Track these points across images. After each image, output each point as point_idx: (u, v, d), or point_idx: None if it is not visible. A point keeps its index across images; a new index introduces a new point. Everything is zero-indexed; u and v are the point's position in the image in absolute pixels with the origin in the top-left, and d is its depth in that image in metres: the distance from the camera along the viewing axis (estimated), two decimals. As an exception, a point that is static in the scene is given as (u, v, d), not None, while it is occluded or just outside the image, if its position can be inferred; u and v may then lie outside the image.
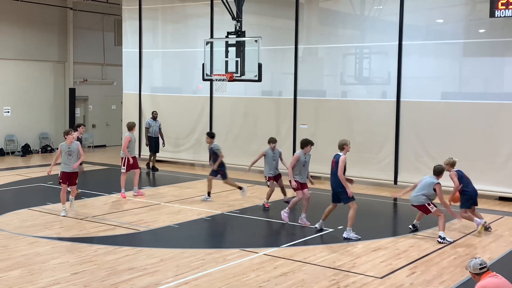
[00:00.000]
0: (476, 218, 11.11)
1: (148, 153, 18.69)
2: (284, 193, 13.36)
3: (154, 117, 18.31)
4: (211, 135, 14.34)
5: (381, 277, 8.44)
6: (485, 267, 5.78)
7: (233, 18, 14.39)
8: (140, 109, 20.79)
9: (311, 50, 17.88)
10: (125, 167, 14.00)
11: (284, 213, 11.65)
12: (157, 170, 18.33)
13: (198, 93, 19.76)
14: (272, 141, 13.04)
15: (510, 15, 13.21)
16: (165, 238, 10.73)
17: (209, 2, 18.75)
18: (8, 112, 22.23)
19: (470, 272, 5.85)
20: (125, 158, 13.99)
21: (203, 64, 14.59)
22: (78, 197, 13.11)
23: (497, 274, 5.79)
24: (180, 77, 20.70)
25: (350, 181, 10.72)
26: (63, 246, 9.85)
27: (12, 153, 22.18)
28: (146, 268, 8.67)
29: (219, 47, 14.34)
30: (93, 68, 24.84)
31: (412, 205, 10.83)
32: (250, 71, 13.90)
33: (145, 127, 18.54)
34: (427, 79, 15.86)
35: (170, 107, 19.76)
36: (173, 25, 20.63)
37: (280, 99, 18.15)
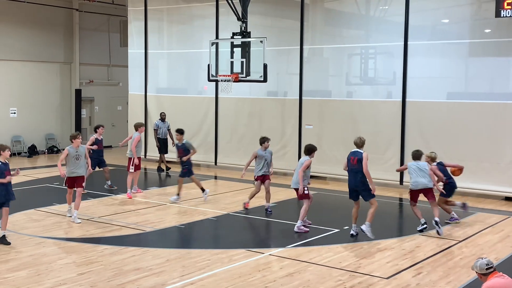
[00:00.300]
0: (453, 213, 11.78)
1: (156, 155, 18.75)
2: (268, 199, 12.80)
3: (163, 118, 18.32)
4: (181, 131, 14.07)
5: (387, 278, 8.43)
6: (491, 267, 5.76)
7: (239, 19, 14.40)
8: (146, 110, 20.84)
9: (316, 51, 17.88)
10: (133, 167, 14.07)
11: (300, 227, 11.09)
12: (169, 168, 18.37)
13: (204, 94, 19.79)
14: (266, 140, 12.70)
15: (516, 15, 13.18)
16: (171, 239, 10.76)
17: (215, 3, 18.77)
18: (15, 113, 22.33)
19: (476, 272, 5.83)
20: (133, 158, 14.06)
21: (208, 65, 14.61)
22: (84, 197, 13.13)
23: (503, 275, 5.78)
24: (185, 78, 20.73)
25: None
26: (69, 246, 9.89)
27: (19, 154, 22.27)
28: (152, 268, 8.70)
29: (225, 48, 14.35)
30: (99, 69, 24.92)
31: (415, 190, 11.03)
32: (256, 72, 13.90)
33: (154, 129, 18.50)
34: (432, 79, 15.83)
35: (175, 107, 19.79)
36: (179, 26, 20.67)
37: (285, 99, 18.15)
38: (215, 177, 17.99)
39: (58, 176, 12.77)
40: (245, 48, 13.97)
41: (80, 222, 11.40)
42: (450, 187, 11.77)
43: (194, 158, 19.65)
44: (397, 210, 13.23)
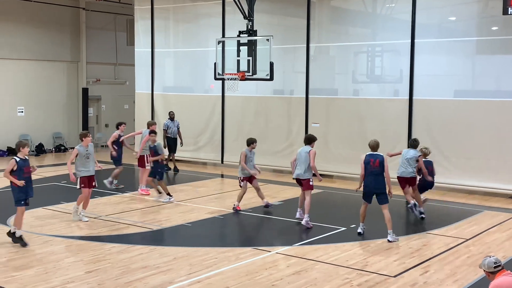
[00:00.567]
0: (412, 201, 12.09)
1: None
2: (262, 196, 12.86)
3: (172, 118, 18.25)
4: (155, 132, 13.86)
5: (394, 276, 8.43)
6: (499, 265, 5.75)
7: (245, 17, 14.40)
8: (153, 109, 20.88)
9: (323, 49, 17.86)
10: (149, 164, 14.10)
11: (308, 221, 11.22)
12: (178, 171, 18.26)
13: (210, 92, 19.81)
14: (254, 141, 12.61)
15: (523, 12, 13.11)
16: (178, 237, 10.79)
17: (221, 1, 18.79)
18: (22, 112, 22.42)
19: (484, 270, 5.82)
20: (147, 155, 14.16)
21: (215, 63, 14.62)
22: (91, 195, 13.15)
23: (511, 273, 5.76)
24: (192, 76, 20.75)
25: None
26: (77, 244, 9.94)
27: (26, 152, 22.34)
28: (159, 266, 8.72)
29: (231, 46, 14.36)
30: (105, 68, 24.98)
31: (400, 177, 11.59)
32: (262, 70, 13.90)
33: (163, 129, 18.24)
34: (439, 77, 15.78)
35: (182, 106, 19.81)
36: (185, 24, 20.69)
37: (291, 97, 18.15)
38: (222, 176, 18.01)
39: (65, 175, 12.79)
40: (252, 47, 13.97)
41: (87, 221, 11.43)
42: (424, 185, 12.39)
43: (202, 156, 19.85)
44: (404, 208, 13.20)
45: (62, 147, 23.24)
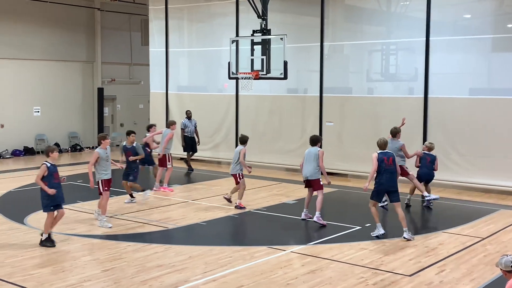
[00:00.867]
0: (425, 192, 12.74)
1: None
2: (234, 192, 13.05)
3: (189, 117, 18.28)
4: (134, 133, 13.39)
5: (410, 275, 8.40)
6: (516, 264, 5.71)
7: (259, 16, 14.42)
8: (167, 108, 20.98)
9: (337, 47, 17.81)
10: (170, 163, 14.26)
11: (320, 218, 11.24)
12: (192, 170, 18.30)
13: (224, 92, 19.85)
14: (248, 139, 12.96)
15: (540, 9, 13.00)
16: (193, 236, 10.83)
17: (235, 0, 18.82)
18: (38, 112, 22.64)
19: (501, 269, 5.78)
20: (168, 154, 14.30)
21: (228, 63, 14.66)
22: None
23: (528, 272, 5.72)
24: (206, 75, 20.80)
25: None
26: (93, 243, 10.01)
27: (43, 152, 22.56)
28: (174, 265, 8.77)
29: (245, 46, 14.39)
30: (120, 68, 25.14)
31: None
32: (276, 69, 13.92)
33: (181, 128, 18.24)
34: (454, 75, 15.68)
35: (196, 105, 19.87)
36: (199, 24, 20.75)
37: (305, 96, 18.13)
38: (236, 175, 18.02)
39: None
40: (265, 46, 13.99)
41: (111, 226, 11.08)
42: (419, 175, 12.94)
43: (216, 155, 19.89)
44: (420, 207, 13.14)
45: (78, 147, 23.44)
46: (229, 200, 13.02)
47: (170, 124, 15.05)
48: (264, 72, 14.00)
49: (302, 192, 14.08)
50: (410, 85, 16.43)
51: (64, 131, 23.41)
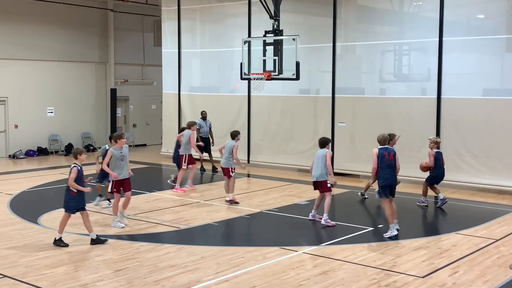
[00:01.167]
0: (440, 194, 12.95)
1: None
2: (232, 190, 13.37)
3: (204, 117, 18.26)
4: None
5: (423, 277, 8.36)
6: (530, 266, 5.67)
7: (271, 17, 14.42)
8: (180, 109, 21.04)
9: (349, 48, 17.77)
10: (186, 164, 14.49)
11: (327, 220, 11.27)
12: (204, 171, 18.37)
13: (236, 92, 19.88)
14: (239, 133, 13.47)
15: (555, 9, 12.89)
16: (205, 236, 10.86)
17: (247, 1, 18.84)
18: (52, 112, 22.80)
19: (514, 271, 5.75)
20: (186, 155, 14.47)
21: (241, 63, 14.68)
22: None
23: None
24: (218, 76, 20.86)
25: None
26: (106, 243, 10.05)
27: (56, 152, 22.75)
28: (187, 265, 8.80)
29: (257, 46, 14.40)
30: (133, 69, 25.26)
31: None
32: (288, 70, 13.92)
33: (196, 128, 18.35)
34: (468, 75, 15.59)
35: (208, 106, 19.90)
36: (211, 25, 20.80)
37: (317, 97, 18.10)
38: (248, 175, 18.04)
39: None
40: (278, 46, 13.99)
41: (123, 226, 11.04)
42: (433, 176, 12.97)
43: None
44: (433, 209, 13.08)
45: (91, 147, 23.55)
46: (232, 202, 13.15)
47: (190, 124, 15.10)
48: (276, 73, 14.00)
49: (314, 193, 14.04)
50: (423, 86, 16.36)
51: (77, 132, 23.57)
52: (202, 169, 18.33)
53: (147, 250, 9.59)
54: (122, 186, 11.15)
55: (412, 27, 16.50)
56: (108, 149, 11.72)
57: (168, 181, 15.85)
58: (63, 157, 22.01)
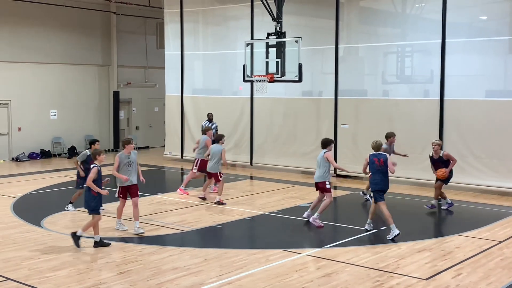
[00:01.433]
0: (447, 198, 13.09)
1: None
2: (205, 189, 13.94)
3: (210, 119, 18.17)
4: (98, 141, 12.41)
5: (426, 279, 8.34)
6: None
7: (273, 19, 14.43)
8: (182, 111, 21.06)
9: (352, 50, 17.77)
10: (197, 167, 14.48)
11: (316, 219, 11.39)
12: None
13: (239, 94, 19.89)
14: (223, 136, 13.79)
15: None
16: (208, 238, 10.86)
17: (249, 3, 18.86)
18: (55, 115, 22.85)
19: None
20: (198, 159, 14.42)
21: (243, 66, 14.69)
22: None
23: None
24: (220, 78, 20.87)
25: None
26: (109, 246, 10.06)
27: (59, 155, 22.79)
28: (190, 268, 8.80)
29: (260, 48, 14.41)
30: (136, 71, 25.30)
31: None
32: (291, 72, 13.93)
33: (201, 130, 18.34)
34: (471, 77, 15.56)
35: (211, 108, 19.91)
36: (214, 27, 20.82)
37: (320, 99, 18.10)
38: (251, 177, 18.06)
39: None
40: (280, 48, 14.00)
41: (143, 232, 10.82)
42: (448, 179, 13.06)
43: (231, 158, 19.89)
44: (436, 211, 13.05)
45: (94, 150, 23.57)
46: (220, 203, 13.36)
47: (206, 130, 14.87)
48: (279, 75, 14.01)
49: (317, 195, 14.06)
50: (425, 88, 16.34)
51: (80, 134, 23.60)
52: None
53: (150, 253, 9.59)
54: (129, 192, 10.91)
55: (415, 28, 16.49)
56: (88, 154, 11.86)
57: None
58: (66, 160, 22.03)
